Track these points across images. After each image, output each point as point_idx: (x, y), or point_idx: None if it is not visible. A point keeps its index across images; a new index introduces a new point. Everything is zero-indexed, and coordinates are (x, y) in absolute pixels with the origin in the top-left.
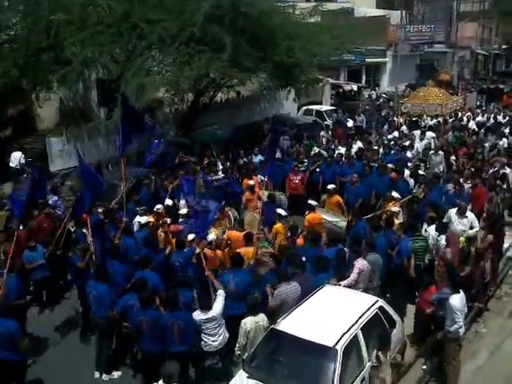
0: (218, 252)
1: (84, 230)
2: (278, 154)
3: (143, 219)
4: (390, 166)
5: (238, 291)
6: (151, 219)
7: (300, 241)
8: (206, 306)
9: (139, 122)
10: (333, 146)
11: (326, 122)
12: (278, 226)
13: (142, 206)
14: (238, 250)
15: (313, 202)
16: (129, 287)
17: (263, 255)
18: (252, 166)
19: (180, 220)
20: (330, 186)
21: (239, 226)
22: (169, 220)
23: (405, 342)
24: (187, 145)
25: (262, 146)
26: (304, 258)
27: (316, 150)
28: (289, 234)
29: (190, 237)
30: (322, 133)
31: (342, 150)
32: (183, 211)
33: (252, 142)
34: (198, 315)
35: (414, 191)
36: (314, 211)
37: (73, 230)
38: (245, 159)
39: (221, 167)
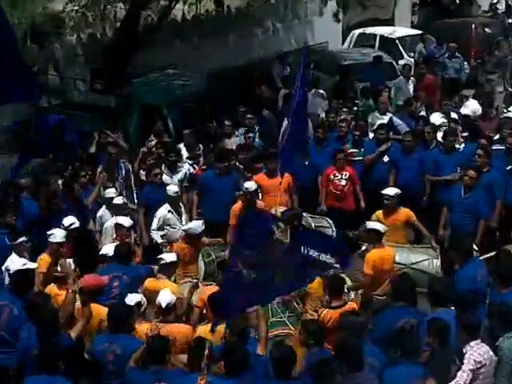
0: (182, 328)
1: None
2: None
3: (19, 263)
4: None
5: None
6: (38, 264)
7: (351, 305)
8: None
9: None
10: (419, 111)
11: (402, 62)
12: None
13: (22, 237)
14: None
15: (379, 227)
16: None
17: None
18: (247, 155)
19: (102, 265)
20: (390, 191)
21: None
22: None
23: None
24: (114, 110)
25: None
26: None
27: (381, 117)
28: (327, 297)
29: (133, 299)
30: (396, 83)
31: (437, 117)
32: (107, 248)
33: (249, 102)
34: None
35: None
36: (382, 244)
37: None
38: (238, 137)
39: (186, 155)
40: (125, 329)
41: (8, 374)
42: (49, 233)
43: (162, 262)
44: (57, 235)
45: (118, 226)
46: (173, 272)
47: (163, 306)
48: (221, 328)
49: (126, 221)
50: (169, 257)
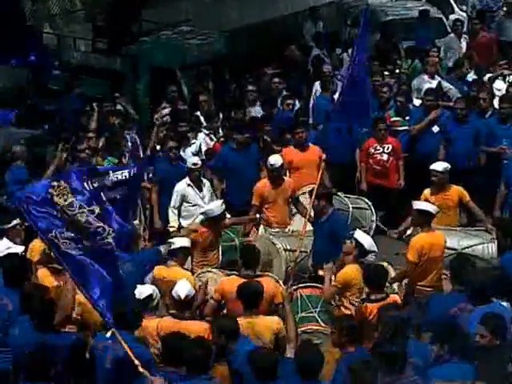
0: (200, 326)
1: None
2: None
3: (3, 246)
4: None
5: None
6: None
7: (392, 298)
8: None
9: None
10: (471, 74)
11: (452, 17)
12: (350, 269)
13: (15, 219)
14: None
15: (430, 207)
16: None
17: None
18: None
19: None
20: (438, 166)
21: (243, 262)
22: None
23: None
24: (120, 73)
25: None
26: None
27: (430, 81)
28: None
29: (144, 291)
30: (446, 41)
31: (499, 82)
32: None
33: (276, 64)
34: None
35: None
36: (431, 227)
37: None
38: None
39: (204, 124)
40: (129, 327)
41: (8, 376)
42: None
43: (171, 246)
44: None
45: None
46: (185, 259)
47: (182, 297)
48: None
49: None
50: (179, 241)
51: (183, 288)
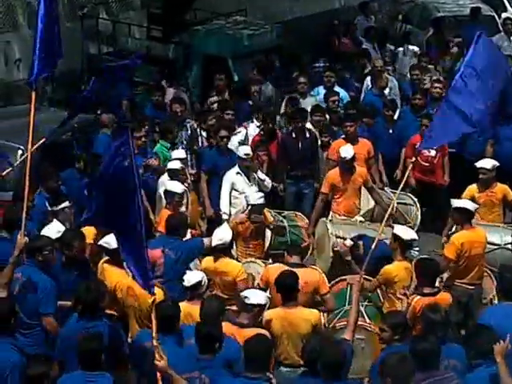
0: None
1: None
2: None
3: (55, 229)
4: None
5: None
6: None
7: (443, 294)
8: None
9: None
10: None
11: (504, 15)
12: (395, 266)
13: (64, 202)
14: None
15: (468, 205)
16: None
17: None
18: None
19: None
20: (486, 163)
21: (297, 250)
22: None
23: None
24: (172, 61)
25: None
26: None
27: None
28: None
29: (194, 277)
30: (496, 39)
31: None
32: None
33: (328, 57)
34: None
35: None
36: (471, 224)
37: None
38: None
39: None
40: (174, 330)
41: (37, 361)
42: None
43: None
44: None
45: (167, 192)
46: (229, 250)
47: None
48: None
49: (177, 186)
50: (222, 234)
51: (254, 295)
